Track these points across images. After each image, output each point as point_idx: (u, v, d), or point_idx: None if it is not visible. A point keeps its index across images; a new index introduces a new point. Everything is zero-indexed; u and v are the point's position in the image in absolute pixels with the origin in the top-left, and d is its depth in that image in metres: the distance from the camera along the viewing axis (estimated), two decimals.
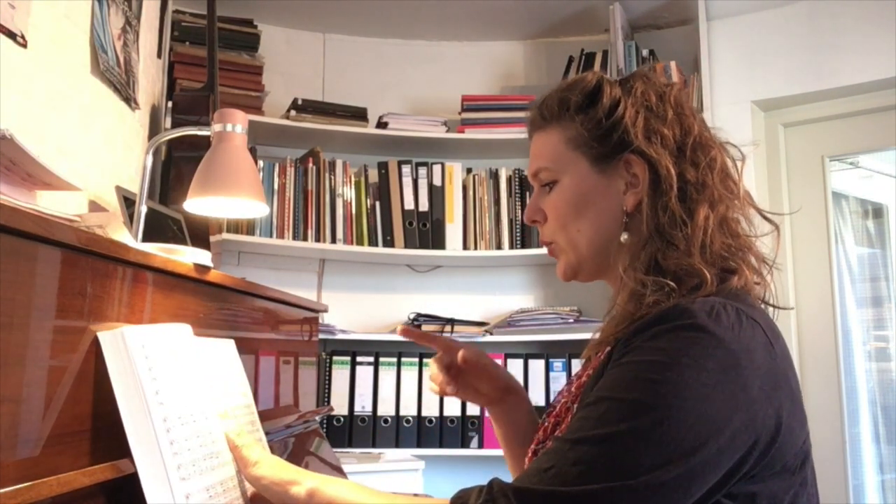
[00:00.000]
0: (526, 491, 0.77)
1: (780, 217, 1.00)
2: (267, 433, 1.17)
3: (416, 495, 1.18)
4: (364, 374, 2.79)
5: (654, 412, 0.75)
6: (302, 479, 0.89)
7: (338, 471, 1.68)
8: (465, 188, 2.94)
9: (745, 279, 0.90)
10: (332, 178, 2.84)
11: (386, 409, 2.77)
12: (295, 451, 1.50)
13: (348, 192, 2.86)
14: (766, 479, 0.80)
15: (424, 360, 2.82)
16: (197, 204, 1.34)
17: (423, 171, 2.93)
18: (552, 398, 2.75)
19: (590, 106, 0.97)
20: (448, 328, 2.81)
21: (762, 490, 0.80)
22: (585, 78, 0.99)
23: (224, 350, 1.13)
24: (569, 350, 2.79)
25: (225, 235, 2.63)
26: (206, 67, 2.33)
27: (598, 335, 0.94)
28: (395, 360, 2.82)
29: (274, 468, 0.92)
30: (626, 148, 0.94)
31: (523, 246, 2.87)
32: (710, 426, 0.75)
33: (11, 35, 1.46)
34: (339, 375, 2.78)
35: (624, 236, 0.94)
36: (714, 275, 0.87)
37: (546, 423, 0.97)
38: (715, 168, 0.93)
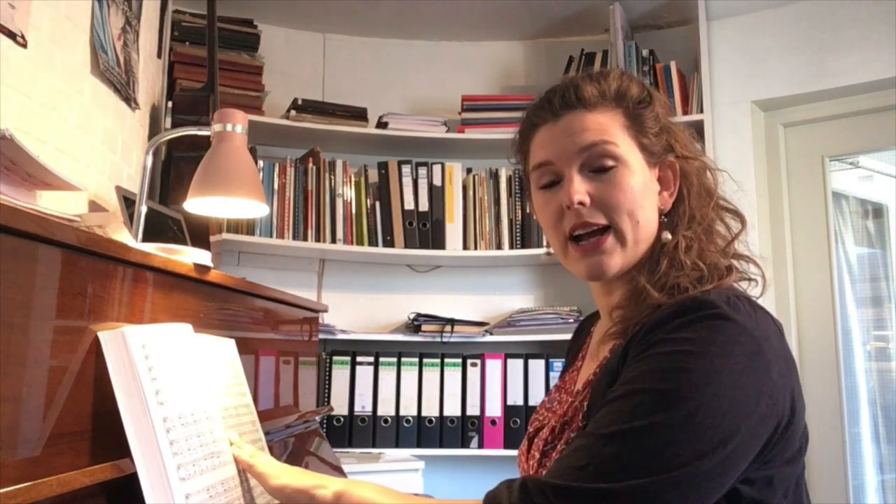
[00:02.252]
0: (566, 489, 0.75)
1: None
2: (267, 433, 1.17)
3: (426, 497, 1.16)
4: (364, 374, 2.79)
5: (688, 402, 0.75)
6: (328, 483, 0.89)
7: (338, 471, 1.68)
8: (465, 188, 2.94)
9: (735, 276, 0.93)
10: (332, 178, 2.84)
11: (386, 409, 2.77)
12: (295, 451, 1.50)
13: (348, 192, 2.86)
14: (779, 462, 0.82)
15: (424, 361, 2.82)
16: (197, 204, 1.34)
17: (423, 171, 2.92)
18: None
19: (648, 104, 0.97)
20: (448, 328, 2.81)
21: (776, 474, 0.82)
22: (635, 77, 1.00)
23: (224, 349, 1.13)
24: None
25: (225, 235, 2.63)
26: (206, 67, 2.33)
27: (612, 329, 0.93)
28: (395, 360, 2.81)
29: (296, 477, 0.92)
30: (670, 153, 0.97)
31: (523, 246, 2.87)
32: (742, 411, 0.76)
33: (11, 35, 1.46)
34: (339, 375, 2.78)
35: (667, 235, 0.93)
36: (724, 270, 0.90)
37: (553, 425, 0.95)
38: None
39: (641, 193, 0.92)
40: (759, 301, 0.89)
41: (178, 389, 0.90)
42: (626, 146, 0.93)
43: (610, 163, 0.92)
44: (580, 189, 0.91)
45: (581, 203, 0.91)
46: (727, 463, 0.76)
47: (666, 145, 0.97)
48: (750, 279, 0.95)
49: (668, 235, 0.93)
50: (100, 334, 0.84)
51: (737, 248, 0.96)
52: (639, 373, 0.80)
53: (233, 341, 1.17)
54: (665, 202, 0.96)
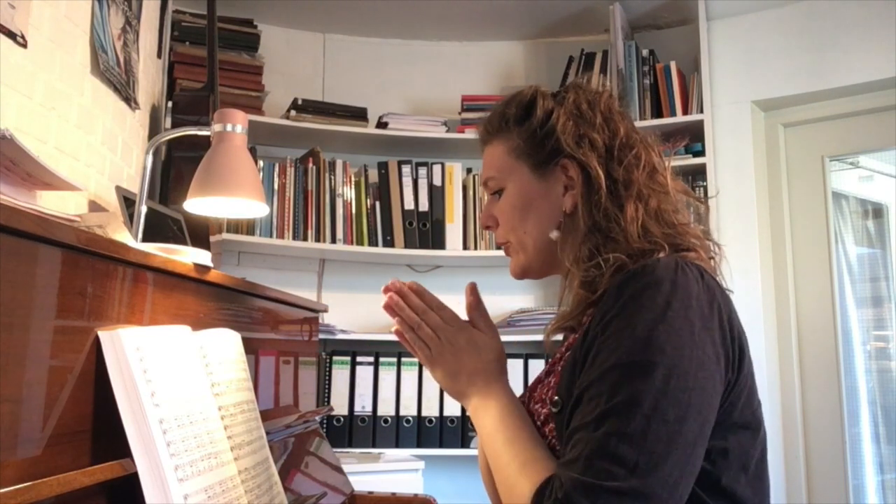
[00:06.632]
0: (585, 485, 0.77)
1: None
2: (267, 433, 1.17)
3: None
4: (364, 374, 2.79)
5: (660, 367, 0.79)
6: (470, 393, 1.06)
7: (338, 471, 1.68)
8: (465, 188, 2.94)
9: (698, 256, 0.97)
10: (332, 178, 2.84)
11: (386, 409, 2.77)
12: (295, 451, 1.50)
13: (348, 192, 2.86)
14: (735, 430, 0.85)
15: None
16: (197, 204, 1.34)
17: (423, 171, 2.93)
18: None
19: (526, 118, 1.04)
20: None
21: (733, 446, 0.85)
22: (522, 92, 1.07)
23: (230, 342, 1.13)
24: None
25: (225, 235, 2.63)
26: (206, 67, 2.33)
27: (555, 323, 1.04)
28: (395, 360, 2.81)
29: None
30: (561, 154, 1.00)
31: None
32: (707, 369, 0.82)
33: (11, 35, 1.46)
34: (339, 375, 2.78)
35: (554, 234, 1.01)
36: (666, 246, 0.94)
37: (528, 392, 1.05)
38: (640, 165, 0.98)
39: (523, 208, 1.03)
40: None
41: (175, 391, 0.90)
42: (507, 171, 1.05)
43: (497, 190, 1.07)
44: (484, 213, 1.11)
45: (487, 227, 1.11)
46: (707, 422, 0.81)
47: (553, 149, 1.00)
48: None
49: (555, 233, 1.01)
50: (100, 334, 0.84)
51: (692, 232, 0.98)
52: (610, 351, 0.83)
53: (238, 334, 1.17)
54: (566, 203, 1.00)
